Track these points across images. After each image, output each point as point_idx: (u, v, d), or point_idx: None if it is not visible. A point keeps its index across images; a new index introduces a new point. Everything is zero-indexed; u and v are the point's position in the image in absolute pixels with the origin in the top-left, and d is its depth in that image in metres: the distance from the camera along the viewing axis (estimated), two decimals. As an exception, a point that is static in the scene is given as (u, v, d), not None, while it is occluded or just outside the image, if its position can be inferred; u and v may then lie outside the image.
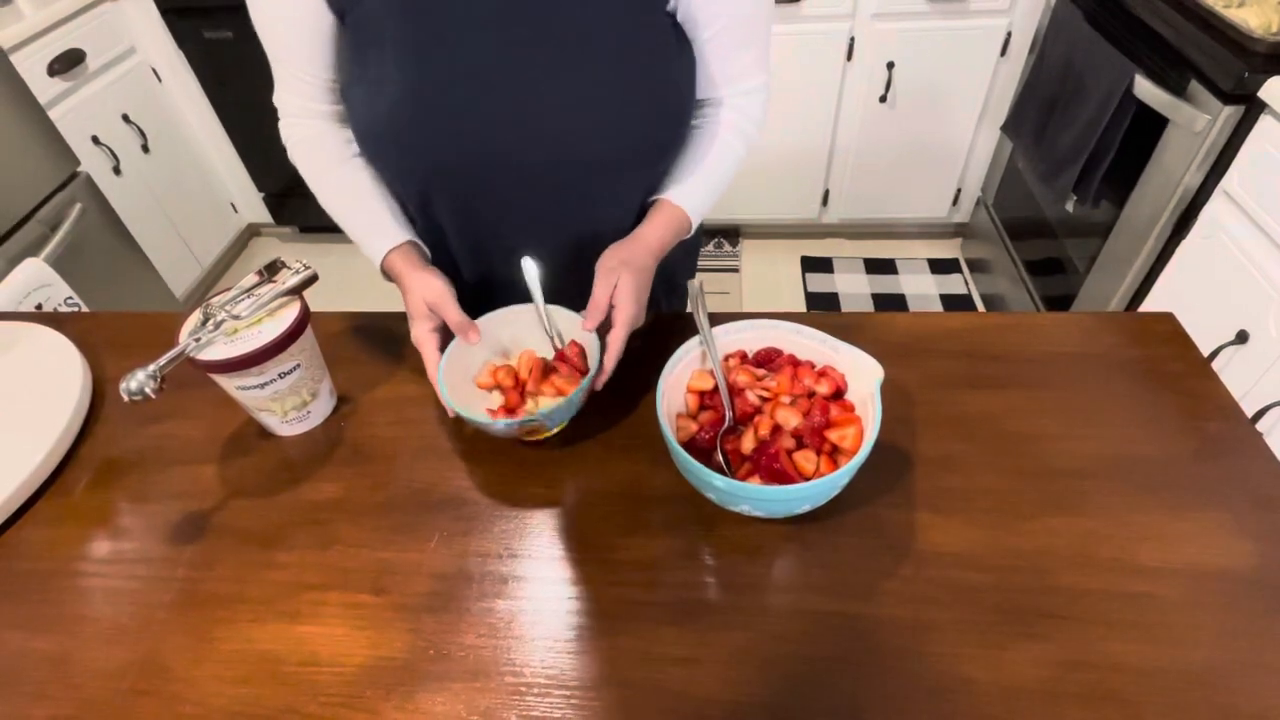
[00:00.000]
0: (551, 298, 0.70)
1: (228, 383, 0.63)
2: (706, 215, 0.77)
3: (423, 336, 0.67)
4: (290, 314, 0.64)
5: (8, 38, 1.58)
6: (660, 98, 0.69)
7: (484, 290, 0.81)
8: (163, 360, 0.59)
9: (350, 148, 0.75)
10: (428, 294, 0.67)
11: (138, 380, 0.58)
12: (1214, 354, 1.21)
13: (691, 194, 0.74)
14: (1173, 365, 0.70)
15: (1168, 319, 0.75)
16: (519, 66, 0.64)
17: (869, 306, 2.15)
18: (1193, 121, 1.20)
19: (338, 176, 0.75)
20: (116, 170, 1.90)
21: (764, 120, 0.79)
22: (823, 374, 0.61)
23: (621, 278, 0.66)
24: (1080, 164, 1.47)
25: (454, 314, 0.66)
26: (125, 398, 0.57)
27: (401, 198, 0.76)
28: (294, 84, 0.72)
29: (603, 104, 0.66)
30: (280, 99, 0.75)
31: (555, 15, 0.62)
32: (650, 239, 0.71)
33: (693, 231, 0.76)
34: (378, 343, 0.79)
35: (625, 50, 0.65)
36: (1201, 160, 1.22)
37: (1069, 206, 1.57)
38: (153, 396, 0.58)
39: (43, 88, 1.67)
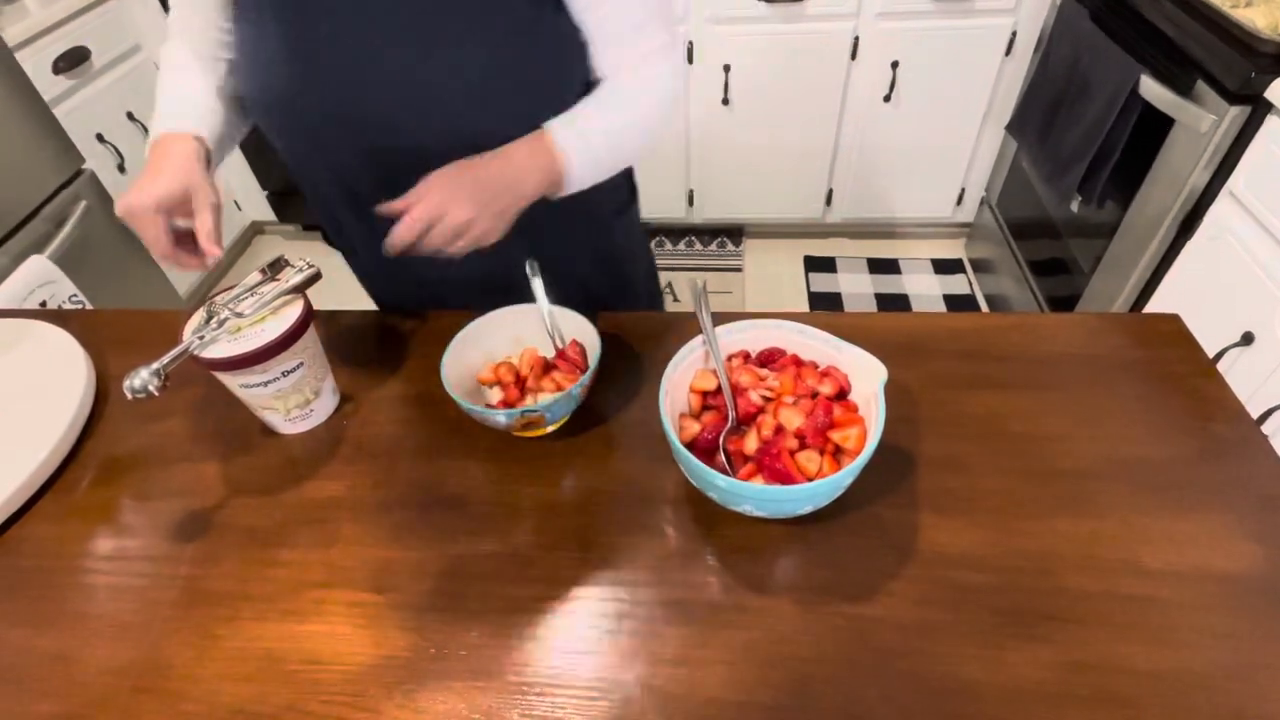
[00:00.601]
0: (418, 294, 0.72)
1: (231, 381, 0.64)
2: (590, 163, 0.68)
3: (147, 219, 0.61)
4: (293, 312, 0.64)
5: (14, 35, 1.58)
6: (523, 70, 0.65)
7: (381, 264, 0.69)
8: (166, 358, 0.59)
9: (220, 55, 0.72)
10: (191, 181, 0.62)
11: (141, 378, 0.57)
12: (1219, 355, 1.20)
13: (569, 123, 0.67)
14: (1178, 367, 0.70)
15: (1173, 320, 0.74)
16: (379, 38, 0.63)
17: (872, 306, 2.15)
18: (1198, 122, 1.20)
19: (192, 60, 0.73)
20: (121, 168, 1.90)
21: (670, 88, 0.71)
22: (826, 374, 0.61)
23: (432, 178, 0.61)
24: (1085, 164, 1.46)
25: (207, 221, 0.61)
26: (129, 395, 0.57)
27: (292, 170, 0.77)
28: (181, 32, 0.72)
29: (459, 77, 0.64)
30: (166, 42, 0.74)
31: None
32: (497, 155, 0.64)
33: (570, 178, 0.67)
34: (380, 341, 0.79)
35: (480, 21, 0.62)
36: (1207, 161, 1.22)
37: (1073, 207, 1.57)
38: (156, 394, 0.58)
39: (48, 85, 1.67)
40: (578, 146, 0.66)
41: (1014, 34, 1.80)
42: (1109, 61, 1.40)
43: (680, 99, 0.74)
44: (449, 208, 0.59)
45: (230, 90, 0.74)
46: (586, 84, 0.71)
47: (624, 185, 0.89)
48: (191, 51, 0.73)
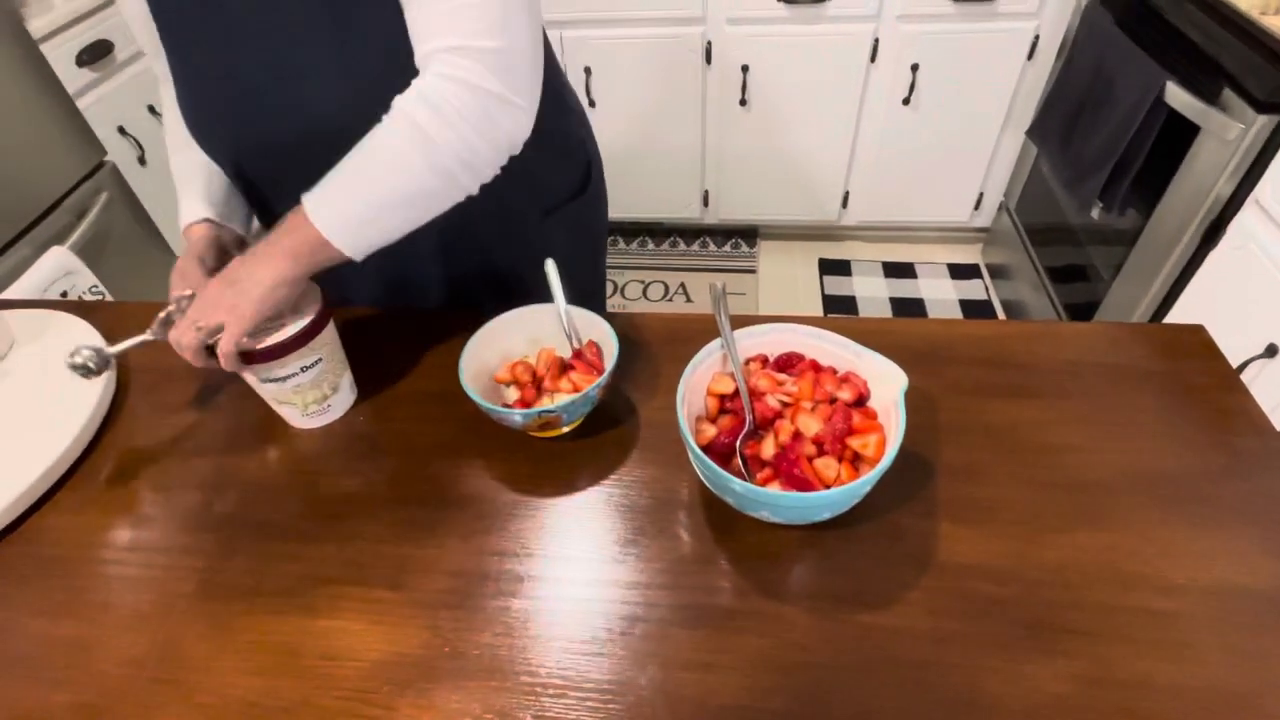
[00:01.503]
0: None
1: (251, 375, 0.64)
2: (358, 221, 0.60)
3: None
4: (313, 307, 0.64)
5: (38, 28, 1.59)
6: (359, 61, 0.63)
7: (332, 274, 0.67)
8: (121, 345, 0.65)
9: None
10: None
11: (83, 355, 0.64)
12: (1242, 367, 1.19)
13: (318, 189, 0.61)
14: (1202, 379, 0.69)
15: (1198, 331, 0.73)
16: (235, 56, 0.65)
17: (887, 310, 2.14)
18: (1225, 130, 1.18)
19: (179, 158, 0.78)
20: (141, 160, 1.91)
21: (439, 99, 0.58)
22: (845, 380, 0.60)
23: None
24: (1107, 170, 1.45)
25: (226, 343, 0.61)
26: (68, 367, 0.64)
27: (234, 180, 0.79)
28: (163, 76, 0.76)
29: (305, 75, 0.64)
30: (160, 91, 0.79)
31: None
32: (250, 255, 0.62)
33: (339, 244, 0.60)
34: (396, 337, 0.79)
35: (316, 21, 0.62)
36: (1233, 169, 1.20)
37: (1094, 213, 1.55)
38: (94, 373, 0.64)
39: (71, 77, 1.69)
40: (327, 211, 0.60)
41: (1036, 37, 1.79)
42: (1134, 67, 1.38)
43: (504, 112, 0.61)
44: (203, 317, 0.61)
45: None
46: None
47: (560, 186, 0.85)
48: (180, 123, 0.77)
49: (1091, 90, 1.53)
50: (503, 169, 0.64)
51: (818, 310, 2.16)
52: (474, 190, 0.63)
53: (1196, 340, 0.73)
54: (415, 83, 0.60)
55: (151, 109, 1.94)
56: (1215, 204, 1.25)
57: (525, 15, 0.60)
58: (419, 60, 0.61)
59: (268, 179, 0.76)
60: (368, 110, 0.60)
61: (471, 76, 0.58)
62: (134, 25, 0.74)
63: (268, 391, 0.66)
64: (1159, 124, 1.33)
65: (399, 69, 0.61)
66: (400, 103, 0.60)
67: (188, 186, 0.76)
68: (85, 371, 0.64)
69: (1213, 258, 1.28)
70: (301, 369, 0.64)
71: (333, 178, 0.60)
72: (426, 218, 0.63)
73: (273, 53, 0.64)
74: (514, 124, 0.62)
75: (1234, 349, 1.18)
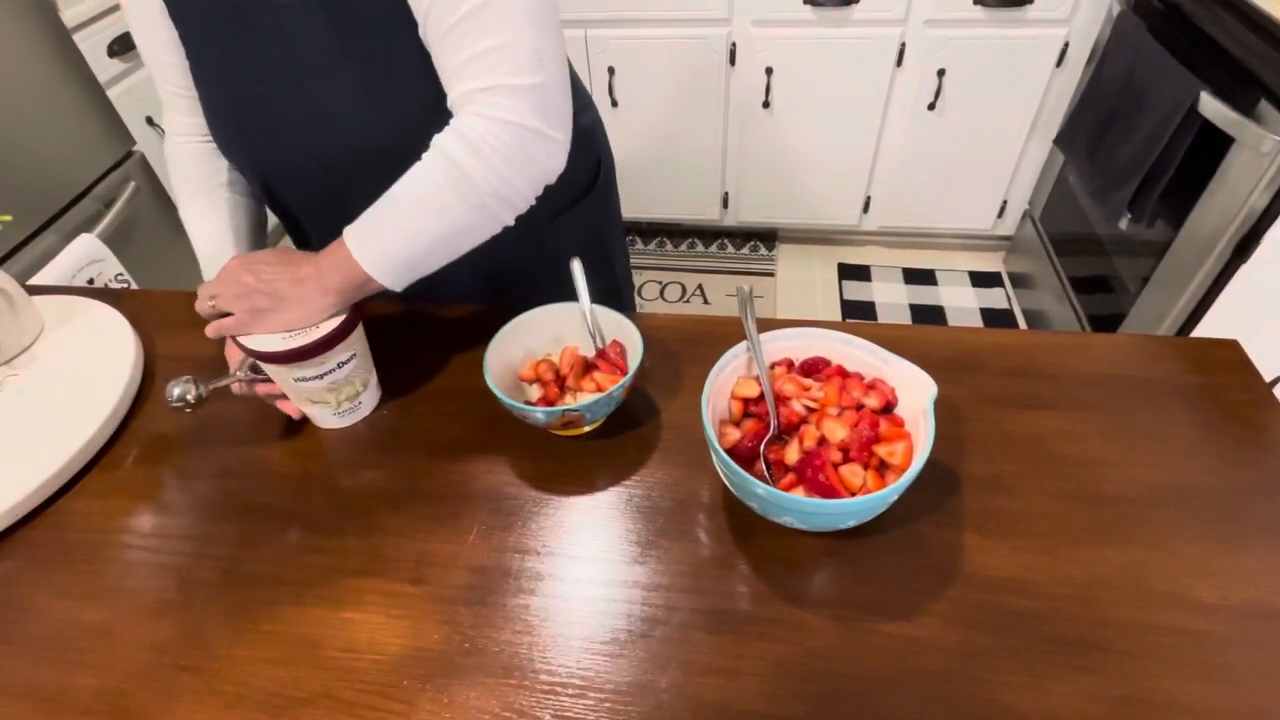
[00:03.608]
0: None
1: (285, 374, 0.64)
2: (388, 250, 0.62)
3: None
4: None
5: (72, 17, 1.62)
6: (395, 87, 0.64)
7: None
8: (214, 383, 0.66)
9: (219, 176, 0.77)
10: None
11: (182, 388, 0.64)
12: (1273, 383, 1.17)
13: (359, 225, 0.63)
14: (1235, 394, 0.67)
15: (1231, 346, 0.72)
16: (272, 76, 0.66)
17: (906, 317, 2.12)
18: (1260, 142, 1.16)
19: (200, 202, 0.76)
20: (168, 150, 1.94)
21: (480, 142, 0.59)
22: (872, 386, 0.60)
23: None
24: (1137, 181, 1.43)
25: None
26: (168, 399, 0.64)
27: (259, 194, 0.81)
28: (174, 101, 0.76)
29: (339, 99, 0.65)
30: (167, 118, 0.79)
31: (271, 21, 0.63)
32: (301, 266, 0.63)
33: (382, 280, 0.62)
34: (420, 335, 0.80)
35: (352, 48, 0.63)
36: (1268, 182, 1.18)
37: (1122, 224, 1.53)
38: (191, 406, 0.64)
39: (102, 67, 1.71)
40: (370, 248, 0.62)
41: (1066, 45, 1.76)
42: (1167, 76, 1.36)
43: (539, 149, 0.62)
44: (224, 300, 0.64)
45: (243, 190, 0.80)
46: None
47: (569, 184, 0.80)
48: (193, 186, 0.77)
49: (1122, 99, 1.51)
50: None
51: (836, 315, 2.15)
52: (510, 222, 0.65)
53: (1230, 355, 0.71)
54: (454, 121, 0.61)
55: (180, 100, 1.96)
56: (1249, 217, 1.23)
57: (556, 46, 0.61)
58: (455, 100, 0.61)
59: (296, 196, 0.77)
60: (396, 137, 0.65)
61: (509, 114, 0.59)
62: (147, 50, 0.74)
63: (302, 391, 0.66)
64: (1192, 135, 1.31)
65: (425, 99, 0.64)
66: (440, 141, 0.61)
67: (217, 238, 0.75)
68: (184, 404, 0.64)
69: (1244, 271, 1.26)
70: (338, 365, 0.65)
71: (375, 215, 0.62)
72: (466, 250, 0.65)
73: (301, 80, 0.65)
74: (549, 158, 0.63)
75: (1266, 365, 1.16)
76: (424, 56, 0.63)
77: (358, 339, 0.66)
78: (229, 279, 0.64)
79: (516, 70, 0.59)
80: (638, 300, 2.25)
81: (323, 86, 0.65)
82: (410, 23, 0.61)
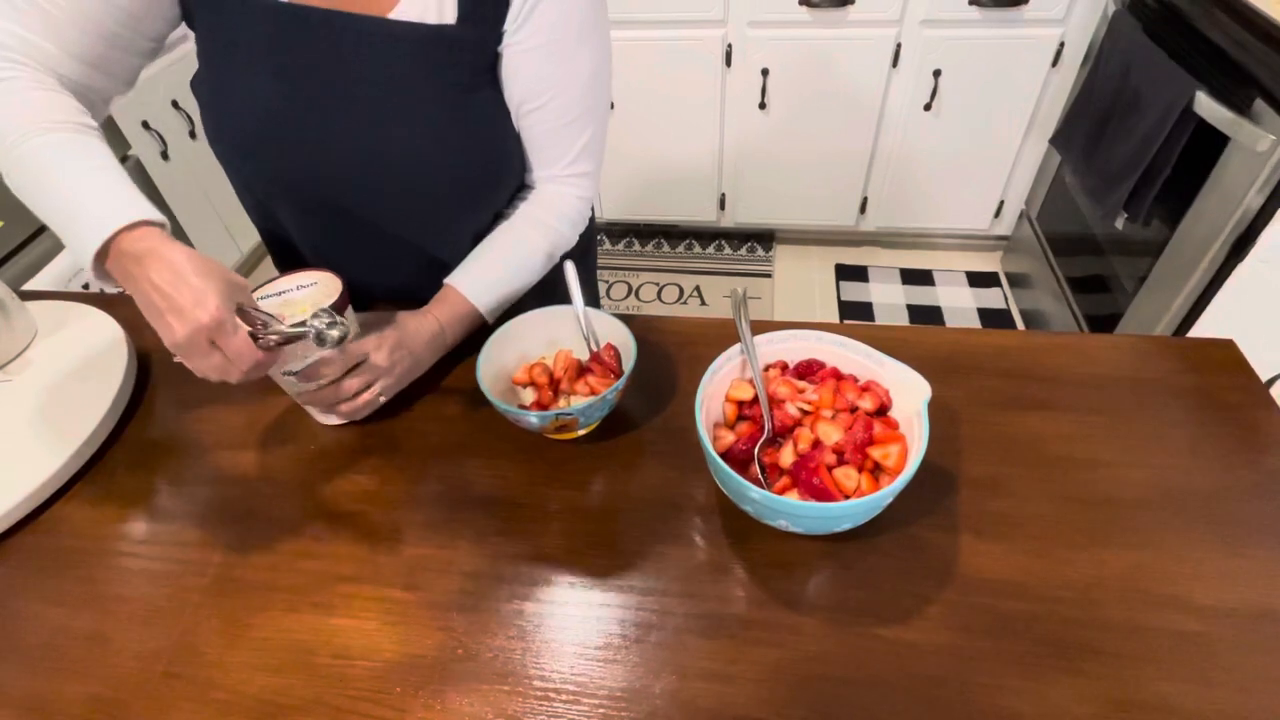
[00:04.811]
0: (364, 304, 0.74)
1: (276, 369, 0.64)
2: (501, 304, 0.76)
3: (229, 326, 0.54)
4: (334, 300, 0.64)
5: (67, 22, 1.61)
6: (456, 141, 0.69)
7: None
8: (283, 326, 0.57)
9: (85, 117, 0.60)
10: (232, 277, 0.55)
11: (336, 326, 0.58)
12: (1269, 383, 1.16)
13: (475, 282, 0.74)
14: (1232, 395, 0.67)
15: (1228, 346, 0.72)
16: (339, 105, 0.66)
17: (904, 317, 2.12)
18: (1256, 141, 1.16)
19: (59, 139, 0.57)
20: (164, 155, 1.93)
21: (574, 216, 0.78)
22: (866, 389, 0.59)
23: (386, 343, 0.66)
24: (1133, 181, 1.43)
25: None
26: (325, 343, 0.58)
27: (248, 198, 0.81)
28: (30, 15, 0.57)
29: (400, 146, 0.68)
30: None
31: (359, 72, 0.65)
32: (425, 329, 0.70)
33: (489, 319, 0.75)
34: (415, 337, 0.79)
35: (419, 106, 0.67)
36: (1264, 182, 1.18)
37: (1118, 224, 1.53)
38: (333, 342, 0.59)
39: (98, 72, 1.71)
40: (486, 302, 0.74)
41: (1061, 45, 1.77)
42: (1162, 76, 1.36)
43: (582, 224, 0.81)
44: (385, 385, 0.67)
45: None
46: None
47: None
48: (54, 125, 0.58)
49: (1118, 98, 1.51)
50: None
51: (833, 316, 2.15)
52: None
53: (1226, 355, 0.71)
54: (557, 201, 0.77)
55: (175, 104, 1.96)
56: (1245, 217, 1.23)
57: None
58: (550, 174, 0.76)
59: (306, 214, 0.76)
60: (444, 185, 0.72)
61: (589, 193, 0.79)
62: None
63: (294, 385, 0.65)
64: (1187, 134, 1.31)
65: (489, 159, 0.73)
66: (545, 218, 0.77)
67: (102, 176, 0.57)
68: (322, 340, 0.58)
69: (1240, 271, 1.26)
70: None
71: (486, 270, 0.75)
72: None
73: (381, 124, 0.67)
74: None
75: (1263, 365, 1.16)
76: (490, 117, 0.70)
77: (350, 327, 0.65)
78: (382, 370, 0.66)
79: (596, 159, 0.77)
80: (635, 302, 2.25)
81: (407, 126, 0.67)
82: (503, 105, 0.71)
